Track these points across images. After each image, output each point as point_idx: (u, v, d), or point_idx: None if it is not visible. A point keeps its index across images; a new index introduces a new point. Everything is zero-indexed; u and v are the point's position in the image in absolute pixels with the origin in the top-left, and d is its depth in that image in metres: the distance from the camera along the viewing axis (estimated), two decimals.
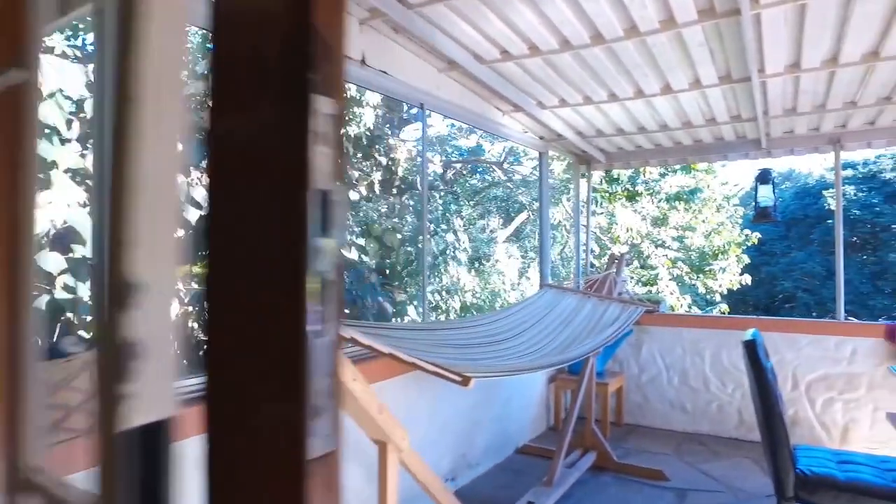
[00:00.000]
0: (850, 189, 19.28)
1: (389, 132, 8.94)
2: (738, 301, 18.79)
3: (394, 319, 7.68)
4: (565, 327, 3.35)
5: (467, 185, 12.73)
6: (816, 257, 18.66)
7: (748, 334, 2.40)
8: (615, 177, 8.54)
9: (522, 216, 12.17)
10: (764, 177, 4.34)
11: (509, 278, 11.17)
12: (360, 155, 6.43)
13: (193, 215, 5.11)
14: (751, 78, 3.10)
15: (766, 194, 4.34)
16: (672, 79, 3.29)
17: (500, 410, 4.01)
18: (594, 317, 3.56)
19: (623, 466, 3.68)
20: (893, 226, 17.83)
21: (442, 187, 11.26)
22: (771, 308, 19.80)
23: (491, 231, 13.33)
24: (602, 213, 8.79)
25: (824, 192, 19.14)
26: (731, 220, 10.55)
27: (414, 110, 11.70)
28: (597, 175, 8.90)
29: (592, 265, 7.38)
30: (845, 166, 20.92)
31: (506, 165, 10.80)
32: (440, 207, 9.85)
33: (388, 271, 8.38)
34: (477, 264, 11.92)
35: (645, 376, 4.76)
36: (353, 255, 7.93)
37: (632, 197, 8.69)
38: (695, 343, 4.56)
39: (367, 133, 6.22)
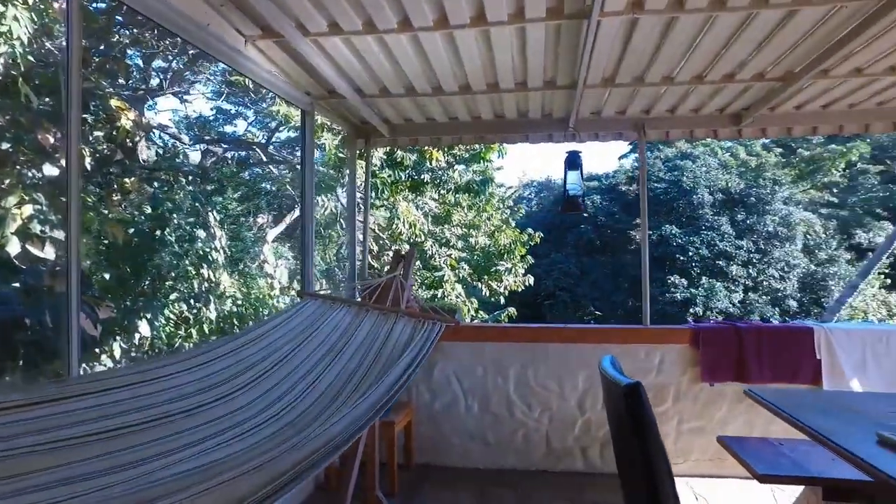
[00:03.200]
0: (598, 198, 21.84)
1: (113, 90, 6.75)
2: (508, 300, 19.87)
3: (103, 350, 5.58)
4: (332, 362, 2.15)
5: (232, 175, 10.86)
6: (572, 259, 20.66)
7: (607, 367, 1.45)
8: (399, 160, 7.52)
9: (296, 213, 10.79)
10: (573, 161, 3.71)
11: (279, 282, 9.65)
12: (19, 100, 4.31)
13: None
14: (590, 14, 2.31)
15: (574, 181, 3.71)
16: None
17: None
18: (377, 340, 2.42)
19: None
20: (628, 230, 20.56)
21: (193, 173, 9.16)
22: (534, 305, 21.40)
23: (259, 228, 11.67)
24: (383, 206, 7.72)
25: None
26: (509, 218, 10.50)
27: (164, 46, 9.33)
28: (376, 158, 7.76)
29: (372, 267, 6.33)
30: (591, 178, 23.70)
31: (270, 149, 9.17)
32: (188, 198, 7.81)
33: (107, 276, 6.23)
34: (242, 266, 10.19)
35: (438, 404, 3.81)
36: (47, 252, 5.62)
37: (416, 187, 7.78)
38: (498, 361, 3.75)
39: (28, 59, 4.16)
